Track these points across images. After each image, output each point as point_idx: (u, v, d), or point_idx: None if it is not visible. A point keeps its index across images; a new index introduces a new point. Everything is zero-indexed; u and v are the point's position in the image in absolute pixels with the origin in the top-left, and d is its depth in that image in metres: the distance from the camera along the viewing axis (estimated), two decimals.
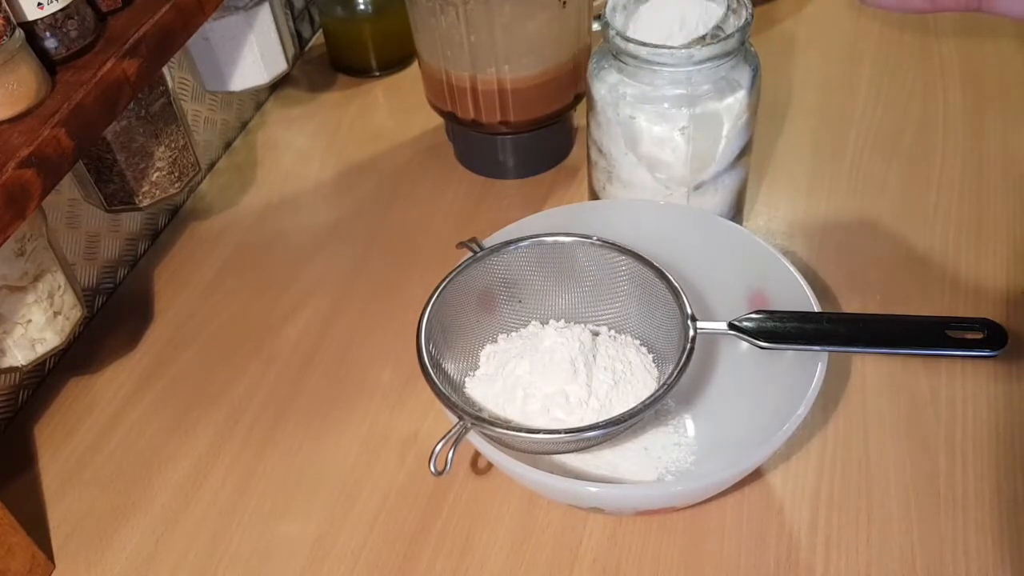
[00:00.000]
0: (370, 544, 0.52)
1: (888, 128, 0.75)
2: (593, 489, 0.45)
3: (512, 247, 0.54)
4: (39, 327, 0.54)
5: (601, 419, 0.47)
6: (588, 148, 0.62)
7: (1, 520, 0.48)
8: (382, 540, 0.52)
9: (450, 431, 0.45)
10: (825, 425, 0.55)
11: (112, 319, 0.68)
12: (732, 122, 0.57)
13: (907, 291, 0.62)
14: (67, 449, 0.59)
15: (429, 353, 0.49)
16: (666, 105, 0.55)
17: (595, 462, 0.52)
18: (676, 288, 0.51)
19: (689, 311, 0.49)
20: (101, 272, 0.69)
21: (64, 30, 0.48)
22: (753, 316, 0.50)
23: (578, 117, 0.75)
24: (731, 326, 0.50)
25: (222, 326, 0.66)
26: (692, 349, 0.48)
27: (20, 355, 0.54)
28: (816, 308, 0.50)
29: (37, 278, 0.53)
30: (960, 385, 0.56)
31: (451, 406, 0.47)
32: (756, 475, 0.53)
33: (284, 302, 0.67)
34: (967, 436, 0.53)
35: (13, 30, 0.45)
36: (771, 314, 0.50)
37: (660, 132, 0.56)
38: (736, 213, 0.64)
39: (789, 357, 0.50)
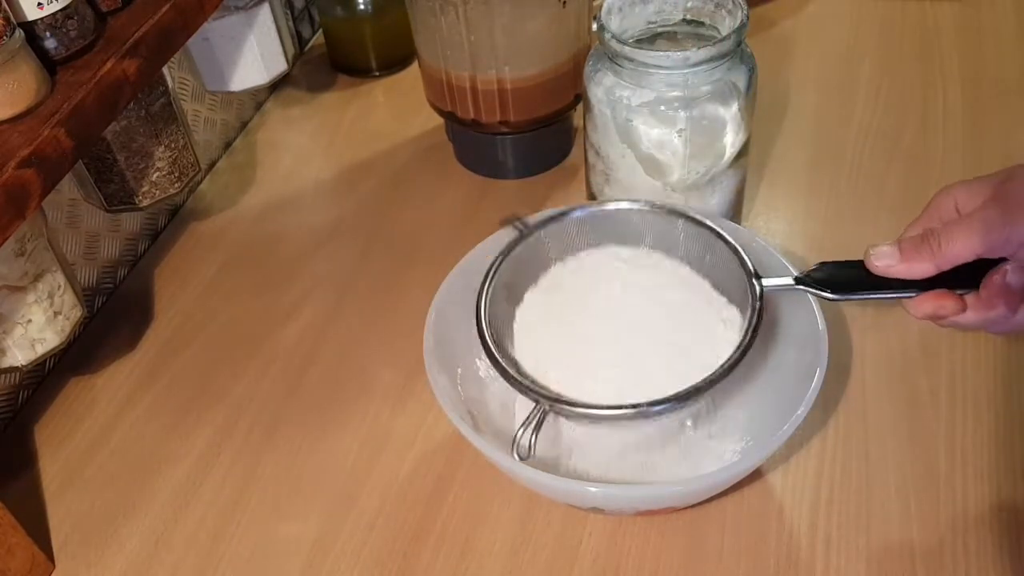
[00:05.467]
0: (370, 544, 0.52)
1: (888, 128, 0.75)
2: (593, 489, 0.45)
3: (558, 220, 0.52)
4: (39, 327, 0.54)
5: (671, 386, 0.45)
6: (585, 150, 0.62)
7: (1, 520, 0.48)
8: (382, 540, 0.52)
9: (529, 415, 0.45)
10: (826, 424, 0.55)
11: (112, 319, 0.68)
12: (729, 123, 0.57)
13: None
14: (67, 449, 0.59)
15: (492, 337, 0.48)
16: (663, 107, 0.55)
17: (595, 462, 0.52)
18: (735, 247, 0.49)
19: (752, 268, 0.48)
20: (101, 272, 0.69)
21: (64, 30, 0.48)
22: (817, 269, 0.48)
23: (578, 117, 0.75)
24: (797, 280, 0.48)
25: (222, 326, 0.66)
26: (762, 308, 0.47)
27: (20, 355, 0.54)
28: (817, 309, 0.50)
29: (37, 278, 0.53)
30: (960, 385, 0.56)
31: (525, 391, 0.46)
32: (756, 475, 0.53)
33: (284, 302, 0.67)
34: (967, 435, 0.53)
35: (13, 30, 0.45)
36: (836, 265, 0.48)
37: (657, 134, 0.56)
38: (735, 213, 0.64)
39: (791, 356, 0.50)
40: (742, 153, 0.60)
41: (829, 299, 0.48)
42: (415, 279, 0.67)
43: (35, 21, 0.47)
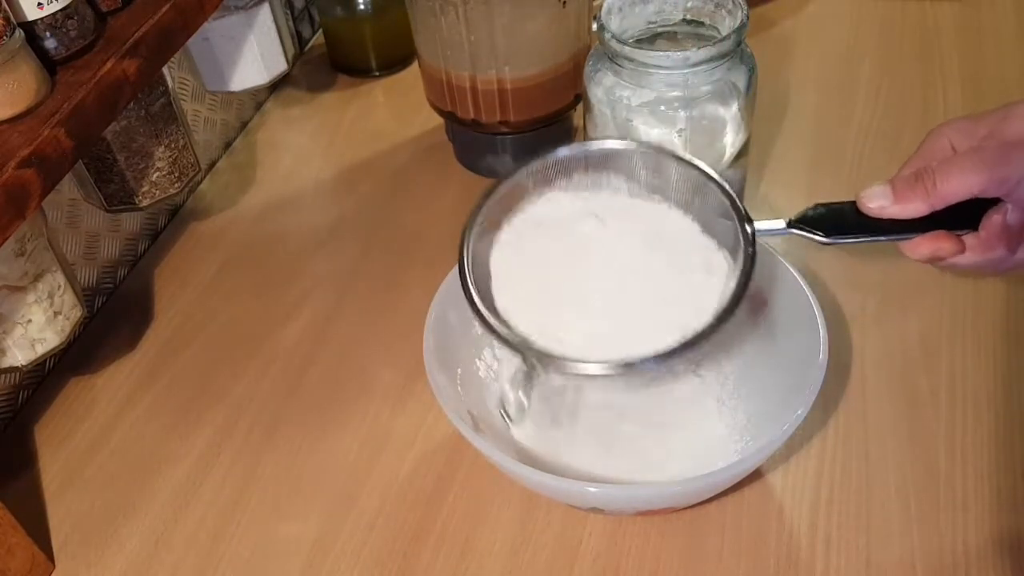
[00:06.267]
0: (370, 544, 0.52)
1: (888, 128, 0.75)
2: (593, 489, 0.45)
3: (547, 159, 0.49)
4: (39, 327, 0.54)
5: (656, 337, 0.44)
6: None
7: (1, 520, 0.48)
8: (382, 540, 0.52)
9: (515, 373, 0.44)
10: (826, 424, 0.55)
11: (112, 319, 0.68)
12: (729, 123, 0.57)
13: (907, 290, 0.62)
14: (67, 449, 0.59)
15: (477, 287, 0.46)
16: (663, 107, 0.55)
17: (593, 458, 0.52)
18: (727, 189, 0.47)
19: (744, 212, 0.46)
20: (101, 272, 0.69)
21: (64, 30, 0.48)
22: (810, 211, 0.47)
23: (578, 117, 0.75)
24: (790, 223, 0.47)
25: (222, 326, 0.66)
26: (755, 252, 0.45)
27: (20, 355, 0.54)
28: (817, 309, 0.50)
29: (37, 278, 0.53)
30: (960, 383, 0.56)
31: (512, 346, 0.44)
32: (756, 475, 0.53)
33: (284, 302, 0.67)
34: (967, 435, 0.53)
35: (13, 30, 0.45)
36: (828, 207, 0.47)
37: (657, 135, 0.56)
38: None
39: (790, 356, 0.50)
40: (742, 153, 0.60)
41: (822, 242, 0.46)
42: (415, 279, 0.67)
43: (35, 21, 0.47)
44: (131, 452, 0.59)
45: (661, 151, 0.49)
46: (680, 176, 0.49)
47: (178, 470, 0.57)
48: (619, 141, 0.49)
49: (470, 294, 0.46)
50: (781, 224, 0.46)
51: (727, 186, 0.47)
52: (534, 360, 0.43)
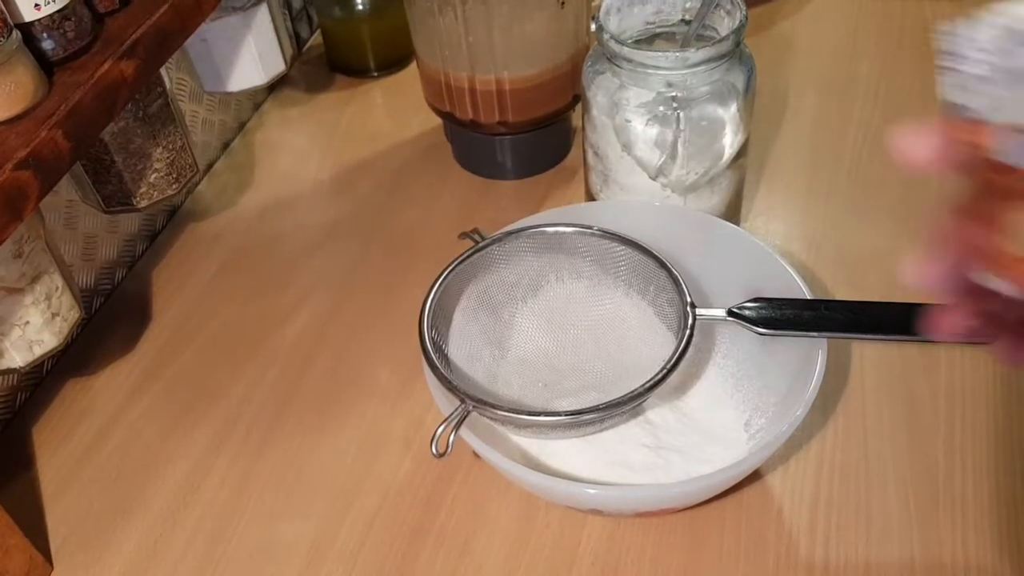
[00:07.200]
0: (369, 544, 0.52)
1: (888, 128, 0.75)
2: (591, 491, 0.45)
3: (513, 236, 0.54)
4: (37, 329, 0.54)
5: (601, 402, 0.47)
6: (584, 151, 0.62)
7: None
8: (380, 540, 0.52)
9: (451, 414, 0.46)
10: (825, 425, 0.55)
11: (110, 320, 0.68)
12: (728, 124, 0.56)
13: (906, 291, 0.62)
14: (65, 450, 0.59)
15: (432, 339, 0.50)
16: (661, 108, 0.55)
17: (596, 456, 0.52)
18: (675, 276, 0.51)
19: (688, 299, 0.50)
20: (99, 273, 0.69)
21: (61, 31, 0.48)
22: (751, 304, 0.50)
23: (576, 118, 0.75)
24: (730, 313, 0.50)
25: (220, 327, 0.66)
26: (691, 335, 0.48)
27: (18, 357, 0.54)
28: None
29: (35, 280, 0.53)
30: (960, 384, 0.56)
31: (452, 389, 0.47)
32: (756, 475, 0.52)
33: (282, 302, 0.67)
34: (967, 436, 0.53)
35: (10, 31, 0.45)
36: (769, 302, 0.50)
37: (655, 135, 0.56)
38: (733, 214, 0.64)
39: (789, 358, 0.50)
40: (741, 154, 0.60)
41: (760, 334, 0.49)
42: (414, 279, 0.67)
43: (32, 22, 0.47)
44: (129, 453, 0.59)
45: (615, 237, 0.53)
46: (634, 261, 0.53)
47: (177, 471, 0.57)
48: (575, 225, 0.54)
49: (425, 343, 0.50)
50: (721, 313, 0.50)
51: (676, 272, 0.51)
52: (470, 406, 0.46)
